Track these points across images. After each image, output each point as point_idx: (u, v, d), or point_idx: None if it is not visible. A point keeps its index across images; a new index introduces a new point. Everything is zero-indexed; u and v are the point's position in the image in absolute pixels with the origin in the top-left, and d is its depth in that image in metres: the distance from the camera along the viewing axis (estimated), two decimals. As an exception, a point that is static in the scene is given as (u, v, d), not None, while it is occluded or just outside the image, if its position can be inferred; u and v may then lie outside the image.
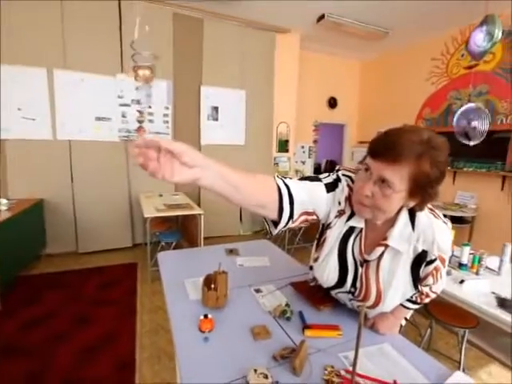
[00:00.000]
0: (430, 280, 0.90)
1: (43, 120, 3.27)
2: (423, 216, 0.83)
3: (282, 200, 0.79)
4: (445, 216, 0.90)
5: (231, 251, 1.91)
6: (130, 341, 2.06)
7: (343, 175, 0.91)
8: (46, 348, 1.96)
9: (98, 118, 3.45)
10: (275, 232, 0.86)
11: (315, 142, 5.92)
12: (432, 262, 0.85)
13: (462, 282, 1.52)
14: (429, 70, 4.58)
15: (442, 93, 4.42)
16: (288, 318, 1.12)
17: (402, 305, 0.99)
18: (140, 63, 2.60)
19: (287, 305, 1.20)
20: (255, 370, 0.80)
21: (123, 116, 3.53)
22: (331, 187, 0.89)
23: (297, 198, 0.81)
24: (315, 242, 1.05)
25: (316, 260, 1.02)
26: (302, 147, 5.81)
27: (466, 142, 2.08)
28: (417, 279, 0.89)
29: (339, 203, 0.90)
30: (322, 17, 3.87)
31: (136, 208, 3.81)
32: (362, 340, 0.65)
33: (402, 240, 0.84)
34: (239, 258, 1.79)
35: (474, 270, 1.69)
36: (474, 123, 1.87)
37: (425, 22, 4.05)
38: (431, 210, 0.86)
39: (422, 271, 0.88)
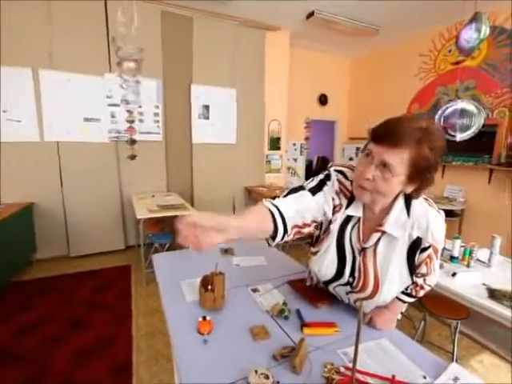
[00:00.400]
0: (423, 269, 0.93)
1: (29, 121, 3.18)
2: (418, 204, 0.86)
3: (275, 220, 0.85)
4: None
5: (226, 251, 1.91)
6: (127, 344, 2.05)
7: (334, 170, 0.95)
8: (42, 353, 1.93)
9: (87, 119, 3.38)
10: (273, 244, 0.92)
11: (307, 139, 5.94)
12: (426, 249, 0.88)
13: (454, 274, 1.56)
14: (417, 66, 4.64)
15: (430, 88, 4.49)
16: (286, 317, 1.13)
17: (397, 298, 1.01)
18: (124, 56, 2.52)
19: (284, 303, 1.21)
20: (256, 371, 0.80)
21: (112, 116, 3.47)
22: (317, 188, 0.94)
23: (286, 214, 0.87)
24: (314, 238, 1.06)
25: (315, 253, 1.04)
26: (294, 144, 5.83)
27: (450, 137, 2.12)
28: (412, 267, 0.92)
29: (333, 198, 0.93)
30: (311, 14, 3.86)
31: (128, 209, 3.76)
32: (361, 336, 0.68)
33: (398, 226, 0.87)
34: (235, 257, 1.79)
35: (465, 263, 1.73)
36: (459, 122, 1.92)
37: (413, 19, 4.09)
38: (426, 199, 0.89)
39: (417, 259, 0.90)
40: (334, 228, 0.95)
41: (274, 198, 0.92)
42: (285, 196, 0.93)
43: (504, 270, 1.69)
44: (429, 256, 0.89)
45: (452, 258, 1.77)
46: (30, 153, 3.22)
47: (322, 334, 1.05)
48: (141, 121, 3.61)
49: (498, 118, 3.70)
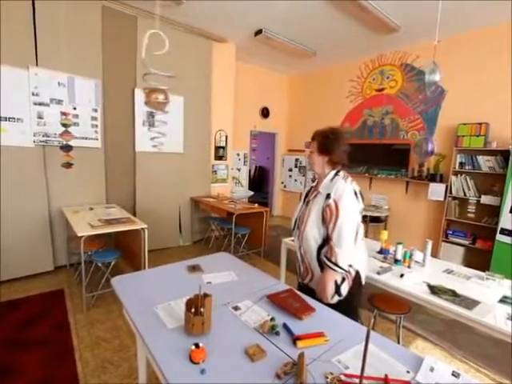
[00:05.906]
0: (324, 213, 1.43)
1: None
2: (338, 177, 1.48)
3: None
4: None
5: (194, 268, 1.83)
6: (72, 385, 1.75)
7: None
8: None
9: (4, 118, 2.82)
10: None
11: (254, 150, 6.12)
12: (329, 198, 1.43)
13: (402, 275, 1.81)
14: (348, 90, 5.26)
15: (359, 110, 5.13)
16: (277, 333, 1.15)
17: (324, 263, 1.44)
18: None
19: (272, 319, 1.23)
20: (272, 394, 0.79)
21: (39, 117, 2.98)
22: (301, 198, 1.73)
23: None
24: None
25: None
26: (238, 155, 5.93)
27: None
28: (323, 211, 1.45)
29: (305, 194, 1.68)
30: (259, 31, 4.04)
31: (58, 224, 3.25)
32: (347, 342, 0.72)
33: (325, 189, 1.49)
34: (204, 274, 1.73)
35: (407, 264, 2.02)
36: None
37: (344, 49, 4.65)
38: (347, 177, 1.50)
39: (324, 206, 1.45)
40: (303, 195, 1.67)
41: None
42: None
43: (433, 268, 2.04)
44: (328, 205, 1.41)
45: (396, 261, 2.05)
46: None
47: (314, 345, 1.10)
48: (75, 124, 3.19)
49: (411, 139, 4.44)
